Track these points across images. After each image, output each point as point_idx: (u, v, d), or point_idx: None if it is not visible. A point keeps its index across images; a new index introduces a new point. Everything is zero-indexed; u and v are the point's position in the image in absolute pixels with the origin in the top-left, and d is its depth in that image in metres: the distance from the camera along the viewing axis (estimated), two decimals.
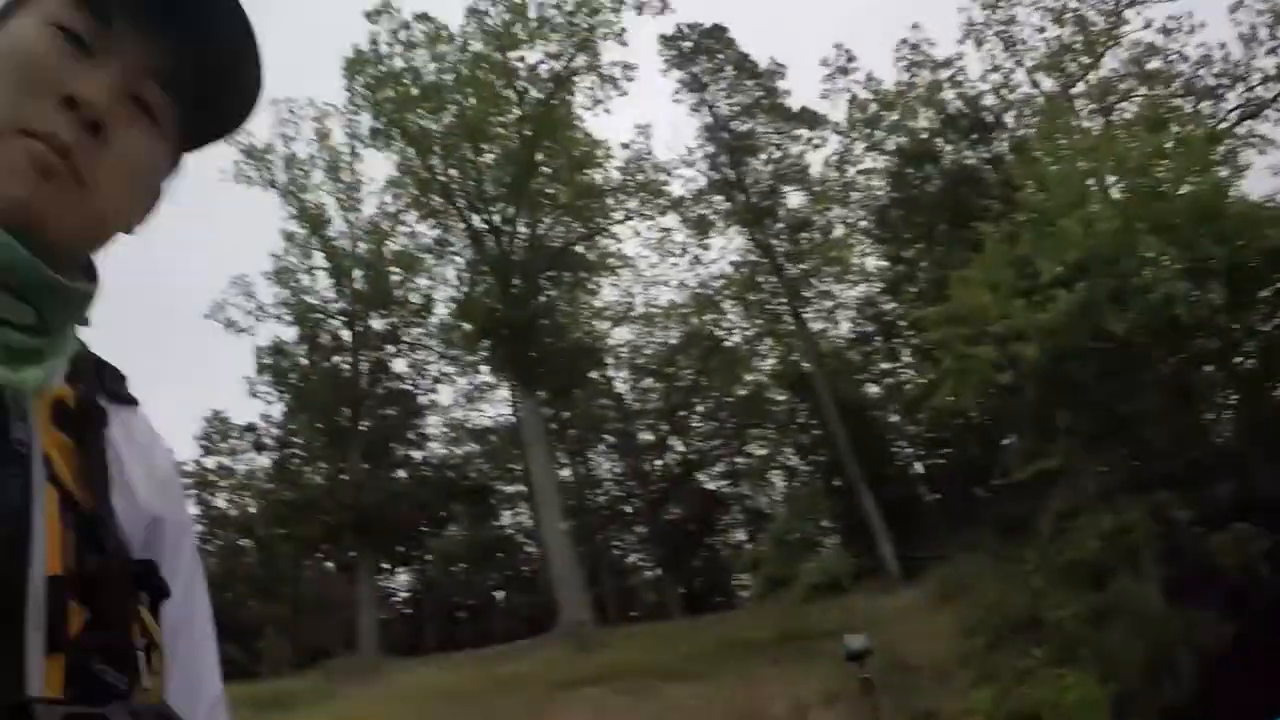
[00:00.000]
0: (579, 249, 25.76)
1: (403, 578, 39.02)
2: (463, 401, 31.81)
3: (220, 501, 31.76)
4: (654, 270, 28.05)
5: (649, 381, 31.58)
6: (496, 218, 23.77)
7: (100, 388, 0.72)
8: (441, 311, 27.03)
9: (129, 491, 0.68)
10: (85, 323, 0.71)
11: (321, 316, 27.05)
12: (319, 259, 26.09)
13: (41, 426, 0.60)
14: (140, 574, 0.64)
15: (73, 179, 0.61)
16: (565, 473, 31.85)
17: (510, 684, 15.24)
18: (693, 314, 28.97)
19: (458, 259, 25.50)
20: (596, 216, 24.97)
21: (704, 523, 31.51)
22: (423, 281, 27.23)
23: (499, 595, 35.31)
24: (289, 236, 25.77)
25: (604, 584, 30.02)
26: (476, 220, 23.79)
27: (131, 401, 0.77)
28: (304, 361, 28.03)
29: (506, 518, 34.66)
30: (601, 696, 14.07)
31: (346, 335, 27.51)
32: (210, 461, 31.32)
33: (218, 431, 31.53)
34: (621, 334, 30.78)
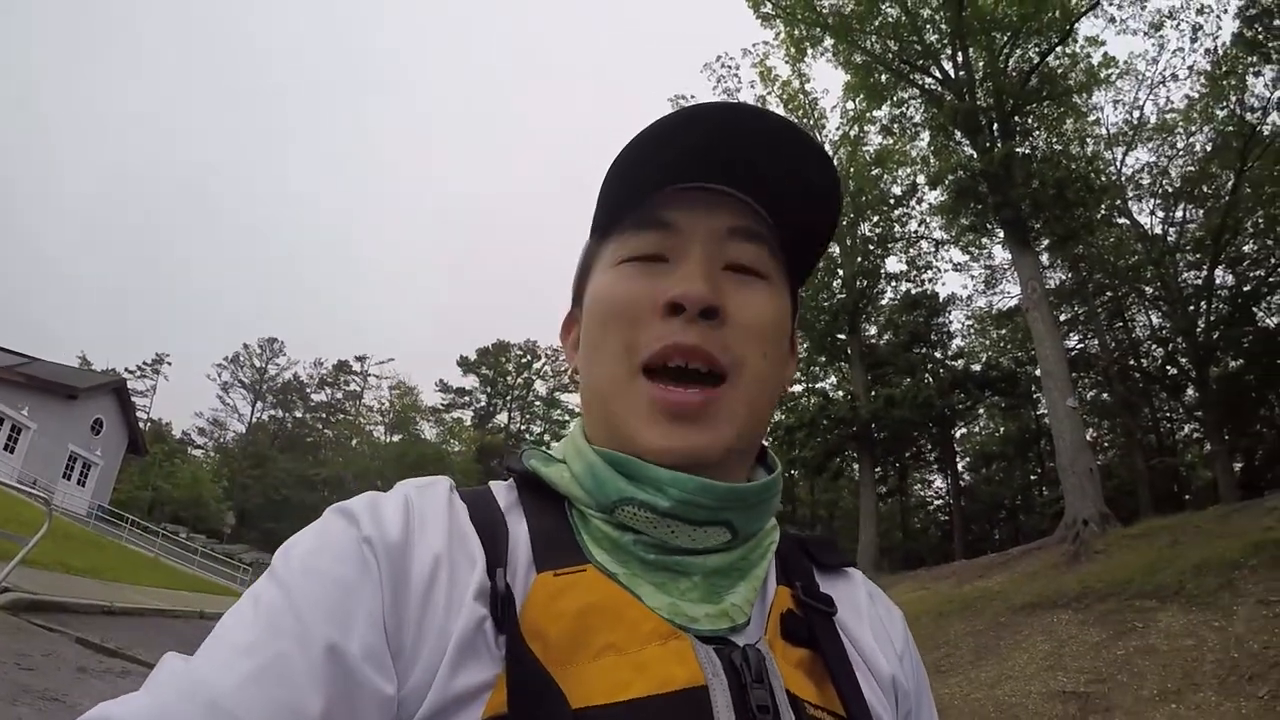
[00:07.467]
0: (1051, 62, 20.23)
1: (938, 483, 38.50)
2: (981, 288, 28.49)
3: None
4: (1156, 67, 22.31)
5: (1182, 210, 24.37)
6: (947, 66, 20.27)
7: (813, 565, 0.67)
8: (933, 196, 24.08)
9: (871, 679, 0.62)
10: (778, 508, 0.66)
11: None
12: None
13: (776, 653, 0.55)
14: None
15: (712, 389, 0.58)
16: (1094, 341, 27.31)
17: (971, 604, 12.35)
18: (1207, 98, 21.75)
19: (923, 138, 22.35)
20: (1054, 10, 19.06)
21: (1266, 373, 22.74)
22: (902, 172, 26.24)
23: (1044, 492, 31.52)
24: None
25: (1137, 467, 25.08)
26: (928, 81, 20.61)
27: (843, 568, 0.70)
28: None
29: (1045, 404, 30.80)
30: (1066, 626, 9.99)
31: (835, 250, 27.21)
32: None
33: None
34: (1141, 157, 24.08)
